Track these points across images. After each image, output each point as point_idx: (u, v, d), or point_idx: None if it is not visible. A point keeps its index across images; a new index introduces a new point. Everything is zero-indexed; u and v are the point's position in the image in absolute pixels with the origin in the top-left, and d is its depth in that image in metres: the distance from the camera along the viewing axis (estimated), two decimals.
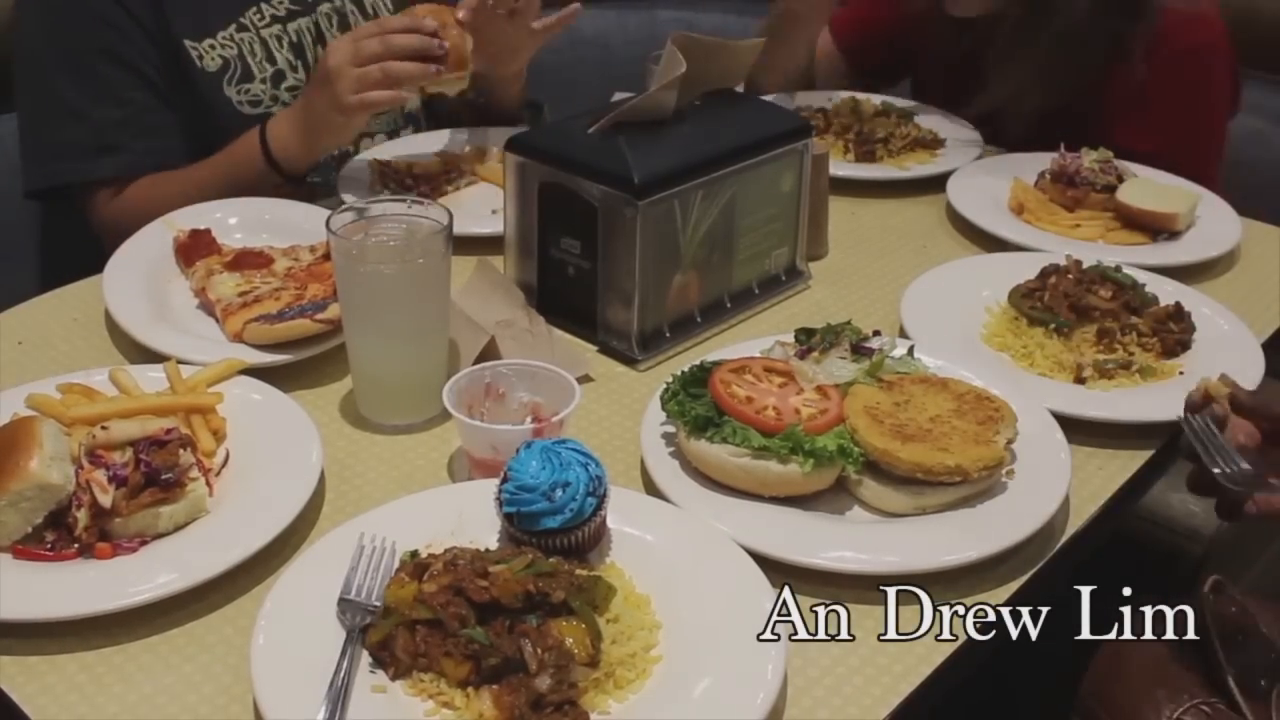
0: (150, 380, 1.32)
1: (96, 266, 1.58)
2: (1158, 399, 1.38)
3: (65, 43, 1.80)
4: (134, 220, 1.68)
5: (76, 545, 1.11)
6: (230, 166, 1.81)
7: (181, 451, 1.16)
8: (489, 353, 1.36)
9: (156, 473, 1.12)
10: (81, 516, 1.10)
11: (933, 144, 2.05)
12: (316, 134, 1.76)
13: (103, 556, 1.10)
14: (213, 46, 1.86)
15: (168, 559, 1.10)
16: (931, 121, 2.12)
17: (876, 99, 2.17)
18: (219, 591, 1.10)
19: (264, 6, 1.92)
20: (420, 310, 1.31)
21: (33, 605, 1.05)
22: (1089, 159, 1.84)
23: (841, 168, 1.94)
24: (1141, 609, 1.53)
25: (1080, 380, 1.42)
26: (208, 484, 1.18)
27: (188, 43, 1.84)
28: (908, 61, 2.36)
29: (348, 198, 1.80)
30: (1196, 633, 1.40)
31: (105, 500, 1.10)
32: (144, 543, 1.12)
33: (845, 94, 2.20)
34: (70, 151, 1.82)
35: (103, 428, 1.18)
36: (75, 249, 1.85)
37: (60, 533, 1.12)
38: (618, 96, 1.78)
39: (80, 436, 1.18)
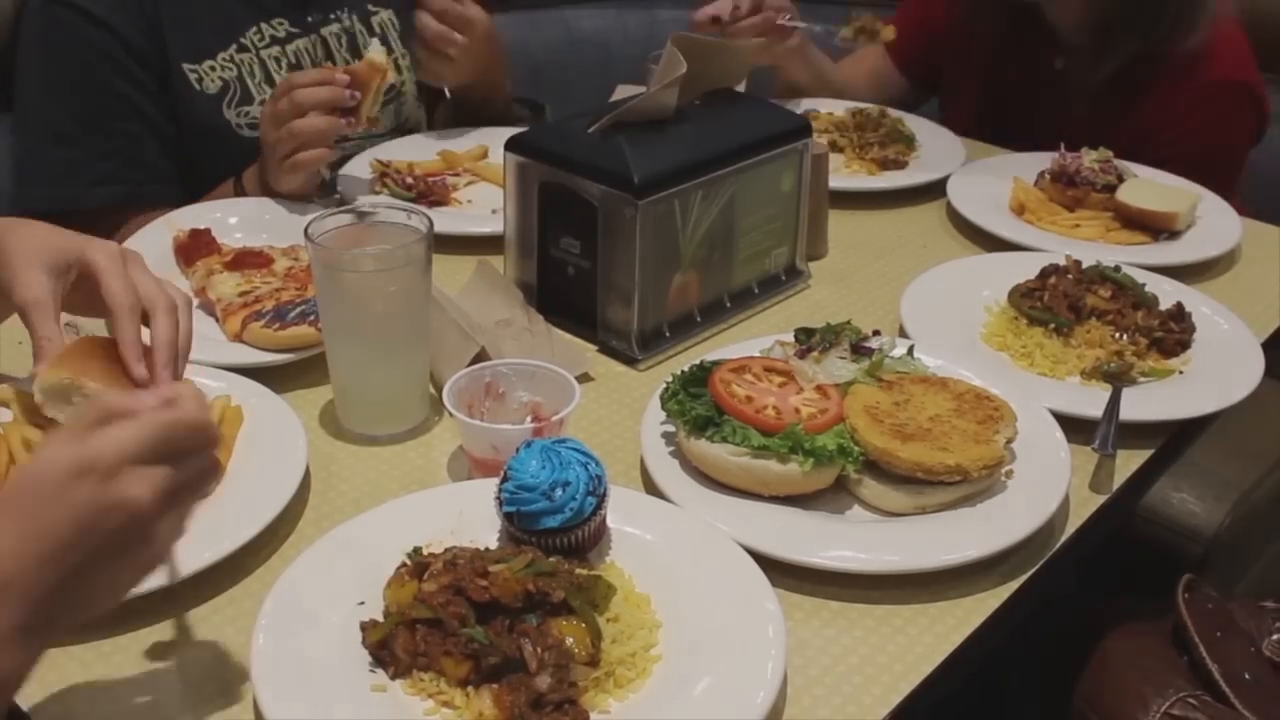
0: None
1: None
2: (1158, 399, 1.38)
3: (58, 72, 1.80)
4: None
5: None
6: None
7: None
8: (480, 361, 1.35)
9: None
10: None
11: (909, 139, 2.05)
12: (277, 190, 1.76)
13: None
14: (213, 68, 1.85)
15: None
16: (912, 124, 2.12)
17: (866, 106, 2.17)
18: (218, 588, 1.10)
19: (264, 27, 1.90)
20: (399, 319, 1.29)
21: None
22: (1089, 159, 1.85)
23: (845, 181, 1.92)
24: (1139, 610, 1.53)
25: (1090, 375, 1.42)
26: None
27: (186, 66, 1.83)
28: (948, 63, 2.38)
29: (348, 198, 1.80)
30: (1177, 631, 1.41)
31: None
32: None
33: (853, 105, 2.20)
34: (62, 179, 1.82)
35: None
36: None
37: None
38: (620, 91, 1.78)
39: None
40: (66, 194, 1.82)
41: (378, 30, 2.06)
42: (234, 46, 1.87)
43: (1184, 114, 2.05)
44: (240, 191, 1.80)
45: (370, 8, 2.06)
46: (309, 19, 1.96)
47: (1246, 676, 1.33)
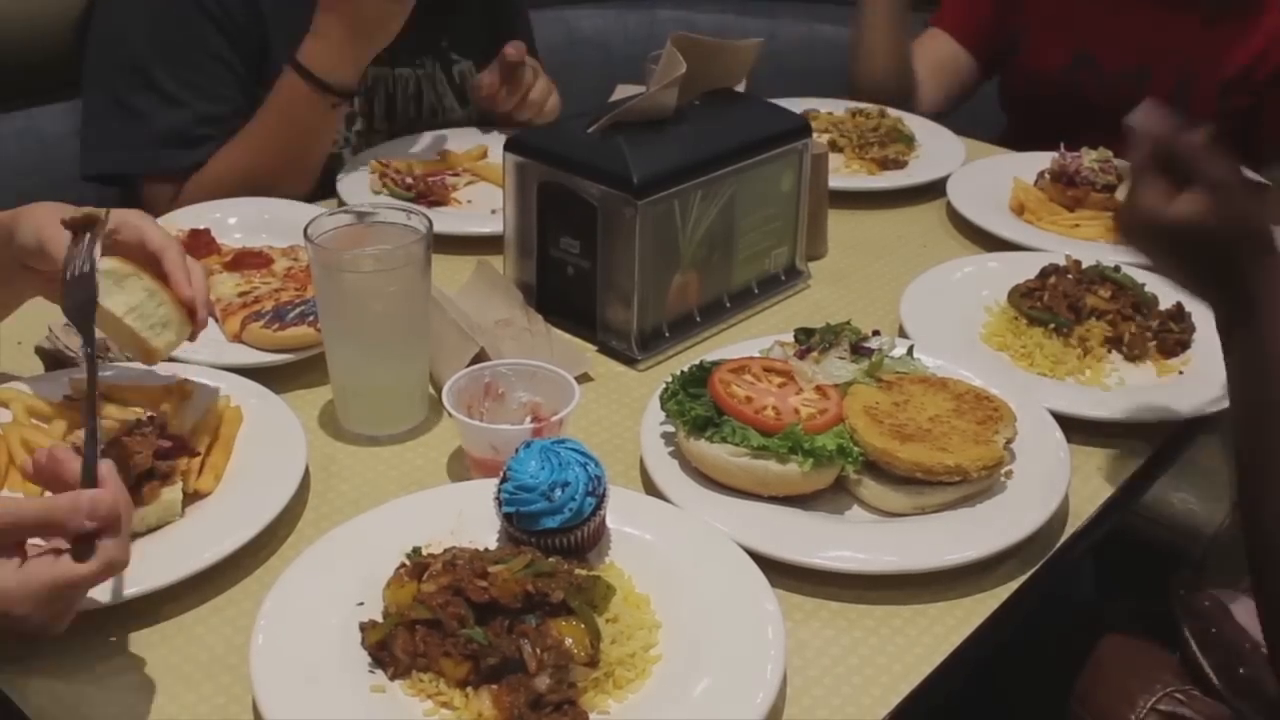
0: (157, 378, 1.32)
1: None
2: (1157, 399, 1.38)
3: (169, 35, 1.78)
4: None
5: None
6: (281, 113, 1.77)
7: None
8: (479, 362, 1.35)
9: (152, 470, 1.12)
10: None
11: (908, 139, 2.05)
12: (368, 37, 1.72)
13: None
14: None
15: (156, 555, 1.09)
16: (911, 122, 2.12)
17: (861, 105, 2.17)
18: (217, 588, 1.10)
19: None
20: (398, 320, 1.29)
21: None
22: (1089, 159, 1.84)
23: (845, 181, 1.92)
24: (1139, 610, 1.53)
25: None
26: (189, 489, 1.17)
27: (278, 65, 1.80)
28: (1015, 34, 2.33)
29: (347, 198, 1.80)
30: (1171, 629, 1.41)
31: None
32: None
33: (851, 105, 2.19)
34: (168, 139, 1.80)
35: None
36: None
37: None
38: (620, 91, 1.78)
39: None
40: (172, 154, 1.81)
41: (457, 80, 2.08)
42: None
43: None
44: (303, 73, 1.73)
45: (453, 57, 2.07)
46: (396, 60, 1.95)
47: (1241, 671, 1.33)
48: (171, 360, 1.37)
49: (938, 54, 2.37)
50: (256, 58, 1.83)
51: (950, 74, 2.37)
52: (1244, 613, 1.45)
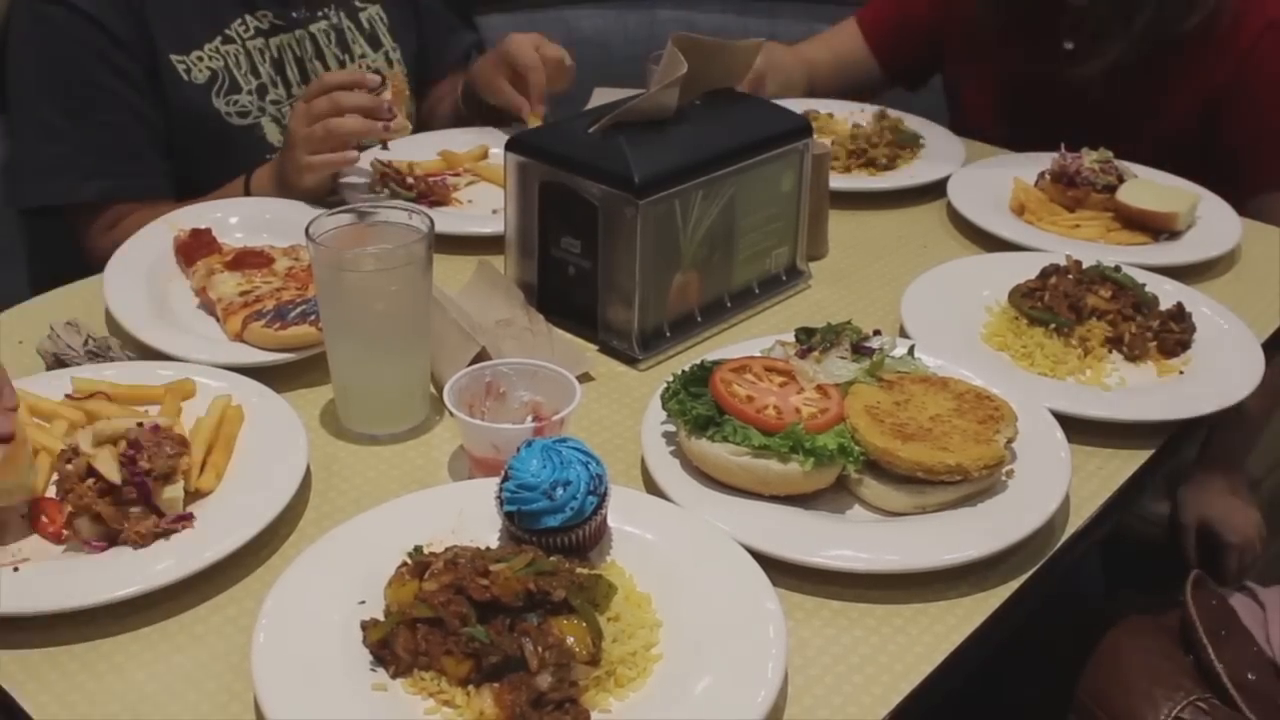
0: (159, 378, 1.33)
1: (86, 273, 1.61)
2: (1158, 399, 1.38)
3: (46, 68, 1.81)
4: None
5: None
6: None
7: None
8: (480, 361, 1.35)
9: (147, 475, 1.12)
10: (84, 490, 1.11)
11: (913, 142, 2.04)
12: (290, 192, 1.77)
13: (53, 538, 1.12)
14: (200, 59, 1.87)
15: (157, 554, 1.10)
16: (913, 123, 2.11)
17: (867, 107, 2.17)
18: (218, 587, 1.10)
19: (249, 19, 1.92)
20: (399, 319, 1.29)
21: (27, 600, 1.05)
22: (1089, 159, 1.84)
23: (845, 181, 1.92)
24: (1141, 605, 1.54)
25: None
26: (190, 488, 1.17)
27: (174, 57, 1.85)
28: (939, 58, 2.34)
29: (348, 198, 1.80)
30: (1185, 629, 1.42)
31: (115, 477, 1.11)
32: (113, 543, 1.11)
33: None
34: (54, 173, 1.84)
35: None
36: (66, 256, 1.86)
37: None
38: (598, 94, 1.78)
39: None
40: (56, 189, 1.85)
41: (366, 26, 2.07)
42: (219, 38, 1.89)
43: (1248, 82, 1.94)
44: (248, 193, 1.81)
45: (358, 4, 2.07)
46: (294, 14, 1.97)
47: (1250, 676, 1.34)
48: (173, 359, 1.37)
49: (845, 46, 2.36)
50: (147, 62, 1.84)
51: (850, 69, 2.36)
52: (1246, 614, 1.45)
